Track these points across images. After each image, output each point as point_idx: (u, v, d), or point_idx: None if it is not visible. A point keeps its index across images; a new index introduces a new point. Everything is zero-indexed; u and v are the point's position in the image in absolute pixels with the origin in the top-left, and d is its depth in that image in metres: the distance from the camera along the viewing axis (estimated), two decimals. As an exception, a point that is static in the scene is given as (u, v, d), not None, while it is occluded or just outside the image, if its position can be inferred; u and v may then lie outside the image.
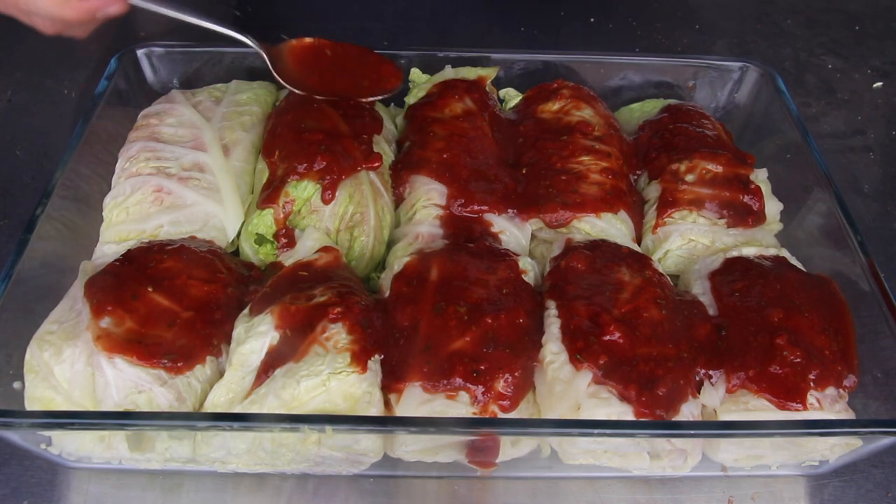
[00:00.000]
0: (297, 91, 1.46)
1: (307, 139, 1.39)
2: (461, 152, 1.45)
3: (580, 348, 1.15)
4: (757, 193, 1.45)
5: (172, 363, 1.14)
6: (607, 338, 1.16)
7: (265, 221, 1.38)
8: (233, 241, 1.40)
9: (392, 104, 1.66)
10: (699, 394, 1.18)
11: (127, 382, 1.12)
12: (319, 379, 1.10)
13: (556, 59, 1.71)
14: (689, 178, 1.45)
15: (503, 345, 1.16)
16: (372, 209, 1.39)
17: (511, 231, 1.39)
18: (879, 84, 2.10)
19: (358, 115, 1.47)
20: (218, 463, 1.17)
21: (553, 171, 1.45)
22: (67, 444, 1.17)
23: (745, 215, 1.43)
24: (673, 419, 1.12)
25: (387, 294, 1.26)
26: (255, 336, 1.16)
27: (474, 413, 1.12)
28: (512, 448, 1.17)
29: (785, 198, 1.50)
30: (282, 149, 1.42)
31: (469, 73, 1.63)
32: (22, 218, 1.62)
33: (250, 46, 1.46)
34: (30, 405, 1.14)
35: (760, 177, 1.50)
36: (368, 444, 1.13)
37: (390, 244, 1.44)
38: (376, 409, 1.12)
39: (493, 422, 1.11)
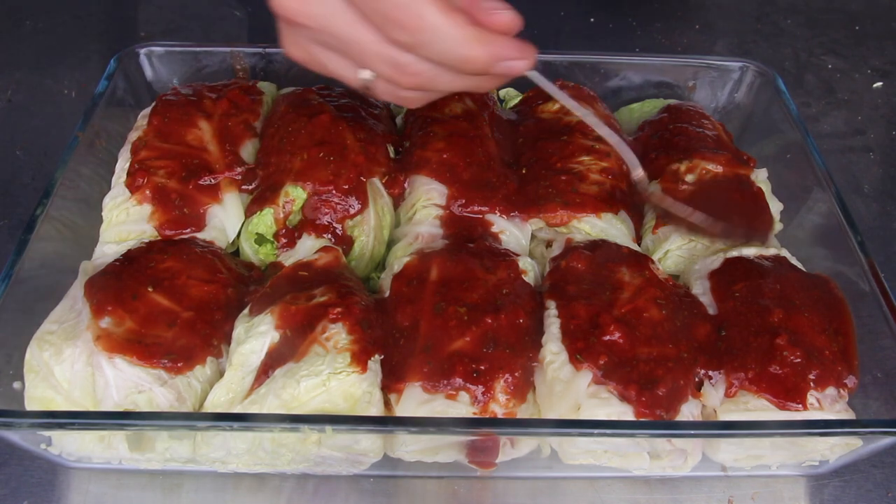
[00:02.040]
0: None
1: (312, 150, 1.40)
2: (461, 152, 1.45)
3: (580, 348, 1.15)
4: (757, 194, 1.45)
5: (172, 363, 1.14)
6: (607, 338, 1.16)
7: (265, 221, 1.38)
8: (233, 241, 1.40)
9: (392, 104, 1.66)
10: (699, 394, 1.18)
11: (127, 382, 1.12)
12: (319, 379, 1.10)
13: (556, 59, 1.71)
14: (689, 178, 1.45)
15: (503, 345, 1.16)
16: (372, 209, 1.39)
17: (511, 231, 1.39)
18: (879, 84, 2.10)
19: (364, 124, 1.48)
20: (218, 463, 1.17)
21: (553, 171, 1.45)
22: (67, 444, 1.17)
23: (745, 215, 1.43)
24: (673, 419, 1.12)
25: (387, 294, 1.26)
26: (255, 336, 1.16)
27: (474, 413, 1.12)
28: (512, 448, 1.17)
29: (785, 198, 1.49)
30: (282, 152, 1.42)
31: (469, 73, 1.63)
32: (22, 218, 1.62)
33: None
34: (30, 405, 1.14)
35: (760, 177, 1.50)
36: (368, 444, 1.13)
37: (390, 244, 1.44)
38: (376, 409, 1.12)
39: (493, 422, 1.11)
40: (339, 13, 1.01)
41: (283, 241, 1.37)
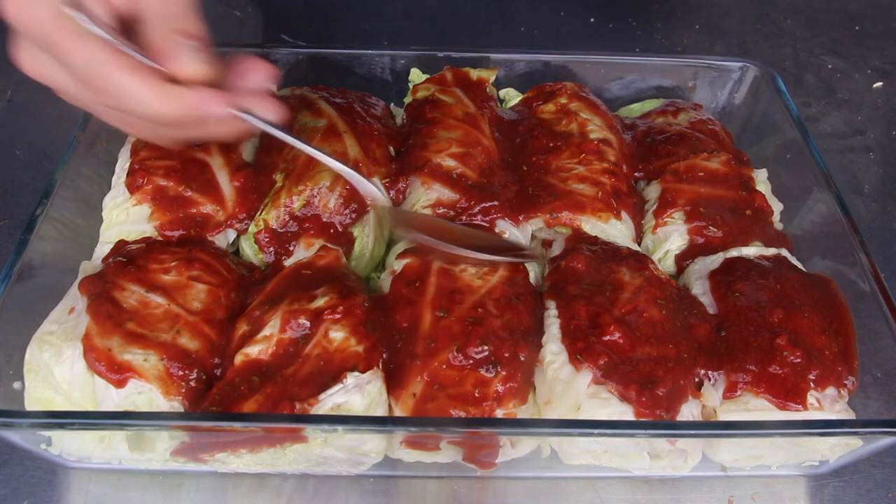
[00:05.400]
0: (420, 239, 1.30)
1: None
2: (462, 153, 1.45)
3: (580, 349, 1.15)
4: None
5: (173, 364, 1.14)
6: (607, 338, 1.15)
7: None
8: (233, 241, 1.40)
9: (392, 104, 1.66)
10: (699, 394, 1.18)
11: (127, 383, 1.12)
12: (321, 379, 1.10)
13: (556, 59, 1.71)
14: (689, 178, 1.45)
15: (504, 345, 1.16)
16: (372, 209, 1.39)
17: (511, 231, 1.39)
18: (879, 84, 2.10)
19: (365, 124, 1.48)
20: (218, 463, 1.17)
21: (553, 171, 1.45)
22: (67, 444, 1.17)
23: (745, 215, 1.42)
24: (673, 419, 1.12)
25: (386, 295, 1.26)
26: (259, 338, 1.16)
27: (474, 413, 1.12)
28: (512, 448, 1.17)
29: (785, 198, 1.50)
30: (281, 152, 1.43)
31: (469, 73, 1.63)
32: (22, 218, 1.62)
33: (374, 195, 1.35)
34: (30, 405, 1.14)
35: (760, 177, 1.50)
36: (374, 445, 1.13)
37: (390, 244, 1.44)
38: (382, 410, 1.12)
39: (493, 422, 1.11)
40: (65, 79, 1.06)
41: (284, 240, 1.36)
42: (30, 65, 1.07)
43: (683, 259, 1.39)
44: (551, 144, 1.50)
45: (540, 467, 1.24)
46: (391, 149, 1.50)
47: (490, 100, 1.61)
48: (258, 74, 1.14)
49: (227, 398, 1.10)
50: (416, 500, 1.24)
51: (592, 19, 2.25)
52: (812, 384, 1.14)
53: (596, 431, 1.05)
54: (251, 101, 1.11)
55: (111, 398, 1.11)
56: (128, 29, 1.06)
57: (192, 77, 1.04)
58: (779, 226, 1.49)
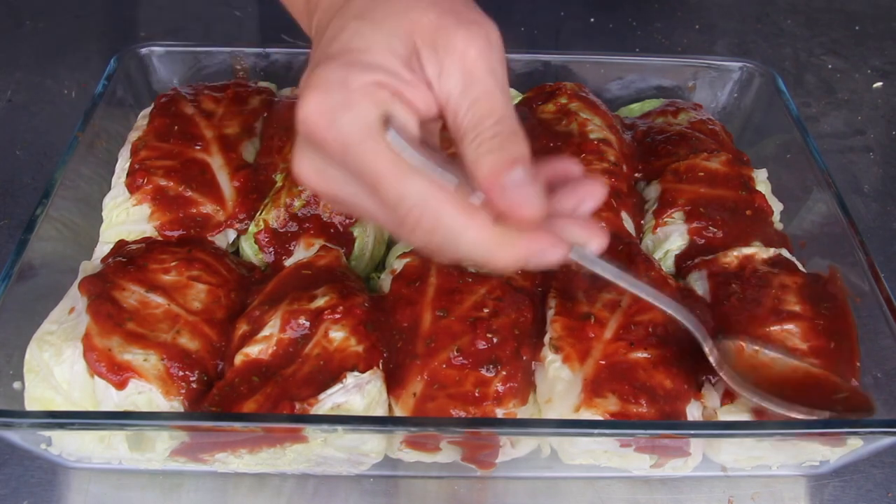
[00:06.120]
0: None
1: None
2: (461, 152, 1.45)
3: (580, 348, 1.15)
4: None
5: (173, 364, 1.14)
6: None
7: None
8: (233, 241, 1.40)
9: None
10: (700, 394, 1.17)
11: (127, 382, 1.11)
12: (320, 379, 1.10)
13: (556, 59, 1.71)
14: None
15: (504, 345, 1.16)
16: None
17: (511, 231, 1.39)
18: (879, 84, 2.10)
19: None
20: (218, 463, 1.17)
21: (553, 171, 1.45)
22: (67, 444, 1.17)
23: (745, 215, 1.42)
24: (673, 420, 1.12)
25: (386, 295, 1.26)
26: (258, 338, 1.16)
27: (474, 413, 1.12)
28: (512, 448, 1.17)
29: (785, 198, 1.49)
30: (282, 152, 1.42)
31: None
32: (22, 218, 1.62)
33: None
34: (30, 405, 1.14)
35: (760, 177, 1.50)
36: (374, 445, 1.13)
37: (390, 244, 1.44)
38: (382, 410, 1.12)
39: (494, 422, 1.11)
40: (364, 199, 0.88)
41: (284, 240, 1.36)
42: (314, 177, 0.91)
43: (683, 259, 1.39)
44: (551, 144, 1.49)
45: (540, 467, 1.24)
46: (391, 149, 1.50)
47: (490, 99, 1.60)
48: (592, 200, 0.93)
49: (227, 398, 1.10)
50: (416, 500, 1.24)
51: (592, 19, 2.25)
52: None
53: (596, 431, 1.05)
54: (580, 234, 0.90)
55: (111, 398, 1.11)
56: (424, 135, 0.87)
57: (532, 222, 0.83)
58: (779, 226, 1.49)
